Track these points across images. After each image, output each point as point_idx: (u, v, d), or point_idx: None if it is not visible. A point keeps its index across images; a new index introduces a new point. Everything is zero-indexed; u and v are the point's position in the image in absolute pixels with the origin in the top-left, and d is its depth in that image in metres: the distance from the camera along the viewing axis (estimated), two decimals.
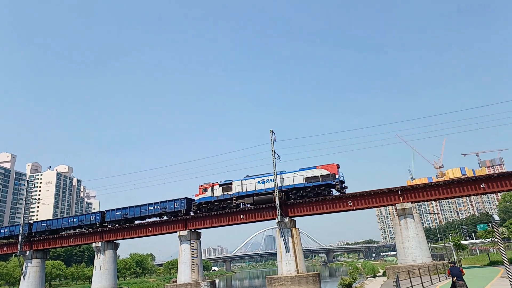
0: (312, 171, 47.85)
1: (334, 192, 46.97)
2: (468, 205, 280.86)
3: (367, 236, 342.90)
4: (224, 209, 50.15)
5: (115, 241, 57.66)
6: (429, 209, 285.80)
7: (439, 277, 28.40)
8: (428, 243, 57.06)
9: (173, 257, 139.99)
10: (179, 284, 49.13)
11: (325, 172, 47.29)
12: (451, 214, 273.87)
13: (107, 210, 57.27)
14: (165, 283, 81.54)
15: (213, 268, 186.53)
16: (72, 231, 59.91)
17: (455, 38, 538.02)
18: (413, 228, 41.77)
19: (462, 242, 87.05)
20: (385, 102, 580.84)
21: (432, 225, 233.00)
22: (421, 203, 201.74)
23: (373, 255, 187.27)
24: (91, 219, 57.59)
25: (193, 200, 52.06)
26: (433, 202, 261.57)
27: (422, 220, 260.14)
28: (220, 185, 50.78)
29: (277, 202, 46.10)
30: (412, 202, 43.27)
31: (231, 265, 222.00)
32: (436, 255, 59.98)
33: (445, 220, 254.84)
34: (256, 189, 48.82)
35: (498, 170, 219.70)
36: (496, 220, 18.87)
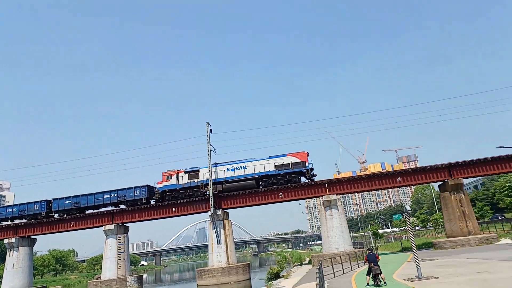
0: (282, 158, 48.11)
1: (303, 180, 47.59)
2: (386, 197, 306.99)
3: (297, 226, 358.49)
4: (191, 197, 48.48)
5: (31, 237, 52.91)
6: (352, 201, 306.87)
7: (358, 264, 30.66)
8: (350, 232, 61.31)
9: (98, 252, 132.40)
10: (103, 280, 46.74)
11: (296, 159, 47.83)
12: (371, 205, 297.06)
13: (54, 199, 51.82)
14: (88, 279, 77.02)
15: (142, 262, 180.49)
16: (9, 222, 52.91)
17: (369, 42, 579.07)
18: (337, 218, 44.45)
19: (379, 231, 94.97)
20: (322, 96, 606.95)
21: (355, 216, 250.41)
22: (345, 195, 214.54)
23: (301, 244, 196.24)
24: (35, 208, 51.59)
25: (155, 188, 49.50)
26: (356, 194, 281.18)
27: (346, 211, 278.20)
28: (186, 172, 48.94)
29: (211, 194, 45.94)
30: (337, 194, 45.96)
31: (161, 259, 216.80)
32: (357, 243, 64.67)
33: (366, 211, 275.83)
34: (226, 176, 48.05)
35: (412, 165, 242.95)
36: (408, 211, 20.89)
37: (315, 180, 47.36)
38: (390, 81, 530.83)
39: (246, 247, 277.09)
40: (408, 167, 45.32)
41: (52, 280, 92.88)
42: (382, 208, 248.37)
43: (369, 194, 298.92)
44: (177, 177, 48.81)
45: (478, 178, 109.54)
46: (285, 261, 57.50)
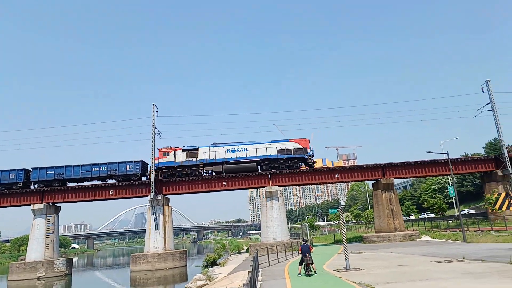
0: (285, 143, 48.08)
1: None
2: (325, 191, 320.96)
3: (239, 215, 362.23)
4: (189, 175, 47.03)
5: None
6: (293, 193, 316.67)
7: (293, 254, 31.81)
8: (288, 224, 63.37)
9: (26, 233, 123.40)
10: (28, 262, 43.75)
11: (298, 145, 47.97)
12: (311, 199, 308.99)
13: (33, 168, 47.20)
14: (12, 261, 71.60)
15: (73, 245, 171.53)
16: None
17: (322, 45, 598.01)
18: (277, 209, 45.65)
19: (316, 223, 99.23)
20: (271, 91, 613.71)
21: (294, 208, 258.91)
22: (287, 187, 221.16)
23: (241, 233, 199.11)
24: (10, 177, 46.63)
25: (149, 164, 47.04)
26: (297, 186, 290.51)
27: (286, 202, 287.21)
28: (183, 150, 47.55)
29: (152, 179, 44.74)
30: (279, 186, 47.18)
31: (95, 242, 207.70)
32: (294, 234, 66.98)
33: (305, 203, 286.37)
34: (226, 157, 47.24)
35: (351, 163, 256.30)
36: (342, 205, 21.96)
37: (259, 171, 48.10)
38: (338, 82, 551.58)
39: (185, 234, 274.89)
40: (346, 165, 47.54)
41: None
42: (320, 202, 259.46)
43: (309, 187, 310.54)
44: (175, 155, 47.31)
45: (407, 179, 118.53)
46: (223, 249, 57.93)
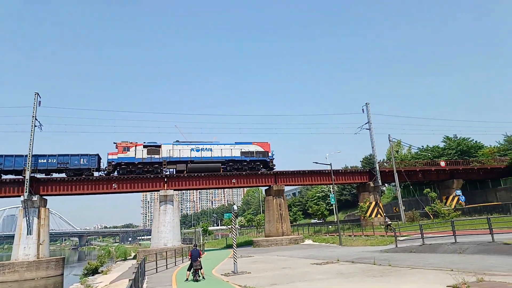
0: (248, 146, 49.10)
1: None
2: (221, 196, 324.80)
3: (130, 220, 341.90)
4: (149, 173, 44.81)
5: None
6: (190, 197, 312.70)
7: (183, 259, 31.27)
8: (182, 228, 62.30)
9: None
10: None
11: (260, 149, 49.42)
12: (207, 203, 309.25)
13: None
14: None
15: None
16: None
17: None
18: (171, 213, 44.44)
19: (210, 228, 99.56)
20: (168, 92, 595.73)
21: (190, 212, 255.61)
22: (184, 191, 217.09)
23: (130, 239, 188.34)
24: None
25: (109, 158, 43.76)
26: (194, 191, 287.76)
27: (181, 207, 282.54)
28: (144, 146, 45.15)
29: (28, 177, 39.40)
30: (175, 190, 46.06)
31: None
32: (187, 239, 66.10)
33: (201, 208, 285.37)
34: (191, 156, 46.28)
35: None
36: (235, 210, 22.49)
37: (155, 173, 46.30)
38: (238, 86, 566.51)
39: (65, 239, 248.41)
40: (242, 171, 48.95)
41: None
42: (216, 206, 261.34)
43: (206, 192, 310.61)
44: (135, 150, 44.74)
45: (297, 186, 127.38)
46: (108, 256, 53.91)
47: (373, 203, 51.98)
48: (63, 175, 43.56)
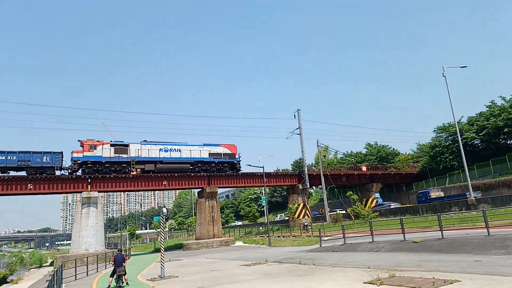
0: (216, 148, 49.91)
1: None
2: (151, 198, 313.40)
3: (48, 224, 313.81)
4: (117, 172, 43.57)
5: None
6: (117, 200, 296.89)
7: (106, 265, 29.55)
8: (107, 232, 58.78)
9: None
10: None
11: (228, 151, 50.43)
12: (136, 206, 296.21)
13: None
14: None
15: None
16: None
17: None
18: (94, 217, 41.69)
19: (138, 231, 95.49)
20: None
21: (116, 215, 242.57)
22: (110, 193, 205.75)
23: (47, 244, 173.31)
24: None
25: (74, 157, 41.89)
26: (121, 193, 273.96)
27: (107, 209, 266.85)
28: (112, 145, 43.81)
29: None
30: (100, 191, 43.33)
31: None
32: (111, 243, 62.60)
33: (129, 211, 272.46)
34: (160, 156, 45.86)
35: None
36: (164, 213, 21.85)
37: (76, 174, 43.13)
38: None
39: None
40: (175, 173, 47.83)
41: None
42: (146, 209, 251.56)
43: (135, 194, 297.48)
44: (102, 149, 43.18)
45: (230, 188, 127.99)
46: (20, 263, 48.90)
47: (301, 204, 54.13)
48: (24, 173, 40.11)
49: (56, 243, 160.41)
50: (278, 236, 44.02)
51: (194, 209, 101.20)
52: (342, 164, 70.25)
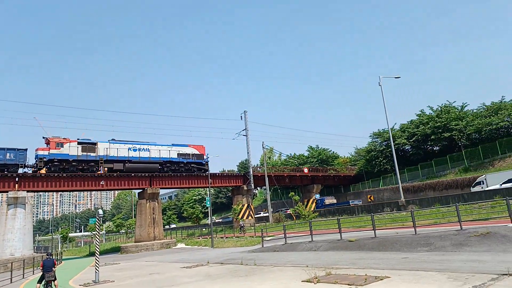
0: (185, 148, 50.51)
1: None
2: (88, 199, 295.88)
3: None
4: (84, 171, 42.83)
5: None
6: (48, 200, 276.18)
7: (33, 270, 27.34)
8: (36, 235, 54.43)
9: None
10: None
11: (196, 151, 51.32)
12: (70, 207, 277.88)
13: None
14: None
15: None
16: None
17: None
18: (22, 219, 38.44)
19: (72, 234, 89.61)
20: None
21: (47, 217, 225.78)
22: (41, 193, 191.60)
23: None
24: None
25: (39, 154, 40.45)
26: (54, 193, 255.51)
27: (38, 211, 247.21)
28: (79, 143, 42.82)
29: None
30: (29, 191, 40.03)
31: None
32: (41, 247, 58.12)
33: (63, 212, 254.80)
34: (129, 155, 45.65)
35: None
36: (100, 215, 20.77)
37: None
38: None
39: None
40: (113, 173, 45.72)
41: None
42: (81, 210, 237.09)
43: (69, 194, 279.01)
44: (69, 147, 41.94)
45: (173, 189, 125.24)
46: None
47: (246, 205, 54.57)
48: None
49: None
50: (221, 237, 43.92)
51: (134, 210, 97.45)
52: (286, 166, 72.06)
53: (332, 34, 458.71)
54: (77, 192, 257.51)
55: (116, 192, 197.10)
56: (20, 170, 40.23)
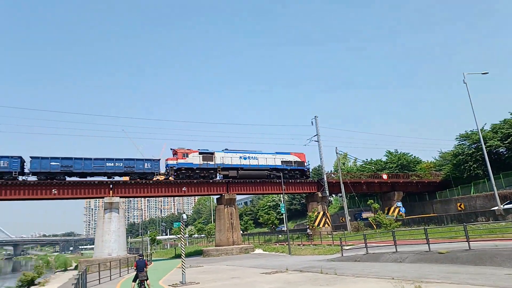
0: (287, 156, 53.06)
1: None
2: (171, 204, 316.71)
3: (71, 228, 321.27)
4: (205, 178, 47.38)
5: None
6: (137, 205, 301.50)
7: (128, 270, 29.98)
8: (128, 237, 59.80)
9: None
10: None
11: (297, 159, 53.43)
12: (156, 212, 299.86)
13: (33, 157, 39.78)
14: None
15: None
16: None
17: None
18: (116, 222, 42.49)
19: (158, 237, 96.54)
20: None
21: (137, 220, 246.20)
22: (131, 198, 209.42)
23: (71, 248, 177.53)
24: (2, 165, 38.31)
25: (169, 163, 46.25)
26: (142, 199, 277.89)
27: (128, 215, 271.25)
28: (200, 153, 47.64)
29: None
30: (121, 197, 44.18)
31: None
32: (133, 249, 63.53)
33: (150, 216, 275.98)
34: (241, 163, 49.36)
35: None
36: (184, 219, 22.07)
37: (98, 180, 44.14)
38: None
39: None
40: (193, 179, 48.36)
41: None
42: (165, 215, 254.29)
43: (155, 200, 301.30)
44: (193, 156, 47.08)
45: (248, 195, 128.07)
46: (47, 266, 50.25)
47: (321, 213, 53.53)
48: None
49: (80, 247, 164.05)
50: (298, 244, 43.63)
51: (213, 215, 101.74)
52: (362, 172, 69.19)
53: (410, 29, 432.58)
54: (162, 198, 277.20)
55: (196, 197, 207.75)
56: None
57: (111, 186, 43.89)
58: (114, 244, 41.30)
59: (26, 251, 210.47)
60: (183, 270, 19.35)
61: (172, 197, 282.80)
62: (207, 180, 48.03)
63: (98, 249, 41.44)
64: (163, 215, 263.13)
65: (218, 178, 48.85)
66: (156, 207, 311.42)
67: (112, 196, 43.28)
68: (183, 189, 47.79)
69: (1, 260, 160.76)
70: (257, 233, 73.65)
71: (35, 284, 33.76)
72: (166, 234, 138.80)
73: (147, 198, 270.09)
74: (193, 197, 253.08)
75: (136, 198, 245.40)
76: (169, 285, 18.64)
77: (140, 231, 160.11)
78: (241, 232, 64.92)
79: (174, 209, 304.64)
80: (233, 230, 48.33)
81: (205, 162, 47.93)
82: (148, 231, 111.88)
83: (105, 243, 41.16)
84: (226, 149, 50.21)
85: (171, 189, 47.46)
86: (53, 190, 41.40)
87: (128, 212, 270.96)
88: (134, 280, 17.18)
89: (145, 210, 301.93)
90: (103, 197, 43.21)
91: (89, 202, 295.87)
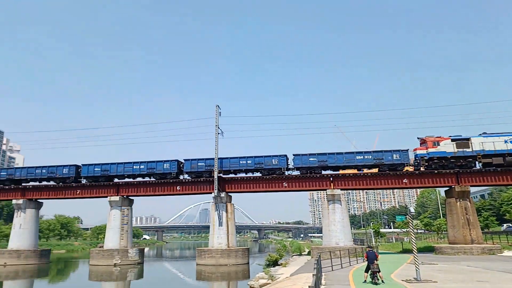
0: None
1: None
2: (391, 197, 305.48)
3: (298, 217, 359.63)
4: (462, 167, 43.80)
5: (38, 200, 54.19)
6: (356, 197, 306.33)
7: (357, 260, 30.70)
8: (351, 228, 61.45)
9: (101, 222, 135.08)
10: (106, 249, 47.84)
11: None
12: (375, 204, 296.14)
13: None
14: (91, 247, 78.96)
15: (144, 236, 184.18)
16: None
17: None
18: (339, 213, 44.44)
19: (381, 230, 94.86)
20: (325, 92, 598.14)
21: (357, 213, 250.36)
22: (350, 191, 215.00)
23: (301, 235, 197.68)
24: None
25: (418, 153, 44.90)
26: (360, 191, 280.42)
27: (349, 207, 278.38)
28: (452, 140, 43.95)
29: (216, 176, 46.24)
30: (341, 189, 45.85)
31: (163, 235, 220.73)
32: (357, 239, 64.84)
33: (369, 209, 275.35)
34: (508, 148, 42.80)
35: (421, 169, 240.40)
36: (411, 213, 20.73)
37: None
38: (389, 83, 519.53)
39: (247, 232, 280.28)
40: (415, 170, 44.84)
41: (57, 244, 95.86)
42: (385, 207, 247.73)
43: (373, 192, 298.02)
44: (445, 144, 44.10)
45: (486, 187, 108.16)
46: (284, 250, 57.92)
47: None
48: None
49: (309, 235, 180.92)
50: None
51: (441, 209, 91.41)
52: None
53: None
54: (380, 190, 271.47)
55: (419, 190, 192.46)
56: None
57: (331, 178, 46.28)
58: (340, 234, 43.28)
59: (267, 235, 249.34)
60: (417, 266, 18.16)
61: (391, 189, 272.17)
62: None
63: (326, 238, 44.44)
64: (383, 207, 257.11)
65: (477, 167, 43.32)
66: (375, 200, 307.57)
67: (333, 188, 45.55)
68: (404, 181, 45.09)
69: (250, 242, 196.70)
70: (504, 231, 61.17)
71: (278, 264, 39.36)
72: (390, 227, 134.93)
73: (365, 191, 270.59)
74: (415, 189, 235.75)
75: (354, 191, 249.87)
76: (402, 280, 17.91)
77: (361, 223, 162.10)
78: (481, 229, 55.42)
79: (394, 201, 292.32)
80: (470, 227, 41.86)
81: (460, 149, 43.11)
82: (371, 223, 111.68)
83: (332, 233, 43.67)
84: (485, 133, 43.84)
85: (390, 181, 45.59)
86: (283, 183, 47.36)
87: (348, 204, 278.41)
88: (366, 271, 17.42)
89: (364, 202, 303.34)
90: (325, 189, 46.10)
91: (312, 194, 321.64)
